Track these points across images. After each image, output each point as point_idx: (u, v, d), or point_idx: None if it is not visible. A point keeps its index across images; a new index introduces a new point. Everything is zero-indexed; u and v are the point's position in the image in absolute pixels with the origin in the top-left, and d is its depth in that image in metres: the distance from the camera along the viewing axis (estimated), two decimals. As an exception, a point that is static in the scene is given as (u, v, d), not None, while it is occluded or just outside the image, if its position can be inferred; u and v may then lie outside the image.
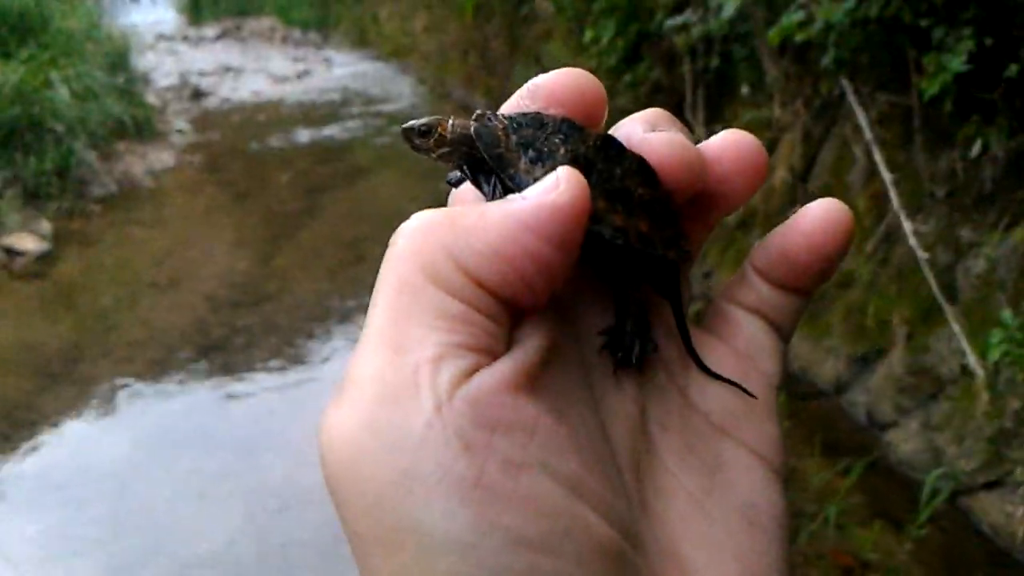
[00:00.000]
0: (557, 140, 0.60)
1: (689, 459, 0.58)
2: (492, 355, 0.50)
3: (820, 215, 0.61)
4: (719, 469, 0.59)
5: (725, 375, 0.62)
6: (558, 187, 0.52)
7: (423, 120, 0.65)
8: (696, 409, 0.61)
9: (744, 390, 0.62)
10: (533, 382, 0.50)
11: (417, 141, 0.65)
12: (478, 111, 0.65)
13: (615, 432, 0.56)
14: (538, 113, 0.63)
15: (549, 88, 0.62)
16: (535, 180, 0.55)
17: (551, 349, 0.53)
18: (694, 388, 0.61)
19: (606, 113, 0.65)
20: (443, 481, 0.45)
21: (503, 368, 0.49)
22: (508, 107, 0.66)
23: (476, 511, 0.44)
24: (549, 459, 0.48)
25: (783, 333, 0.67)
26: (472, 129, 0.64)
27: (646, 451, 0.57)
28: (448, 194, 0.69)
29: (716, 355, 0.63)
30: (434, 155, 0.65)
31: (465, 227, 0.52)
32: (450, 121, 0.65)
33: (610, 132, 0.64)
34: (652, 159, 0.61)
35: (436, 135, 0.64)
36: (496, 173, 0.62)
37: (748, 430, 0.62)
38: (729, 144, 0.65)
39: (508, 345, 0.52)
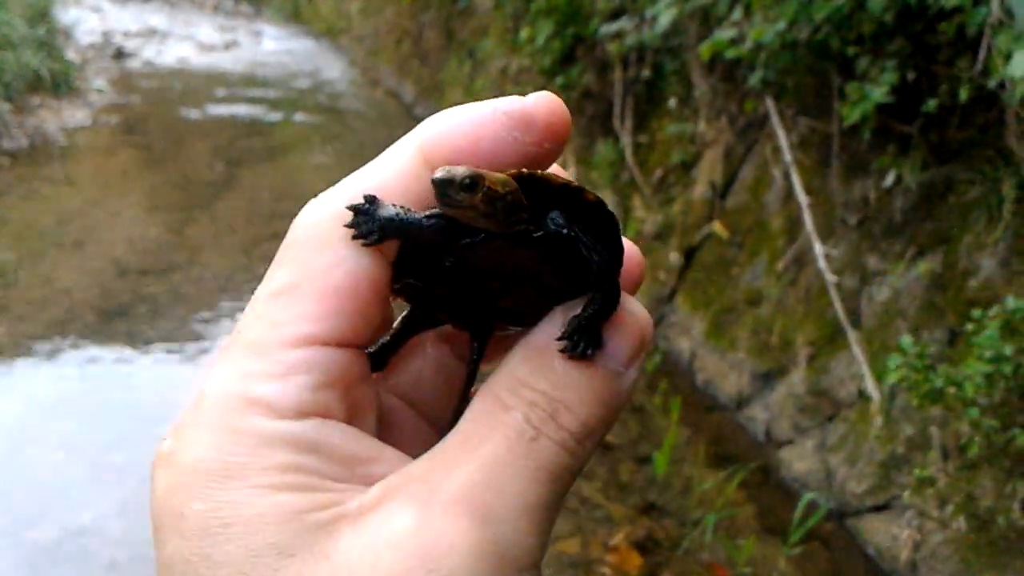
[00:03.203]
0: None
1: None
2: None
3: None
4: None
5: None
6: None
7: (464, 171, 0.58)
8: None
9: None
10: None
11: (459, 196, 0.58)
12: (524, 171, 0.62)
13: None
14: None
15: (547, 120, 0.63)
16: None
17: None
18: None
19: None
20: None
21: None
22: (479, 125, 0.63)
23: None
24: None
25: None
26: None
27: None
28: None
29: None
30: (475, 216, 0.60)
31: None
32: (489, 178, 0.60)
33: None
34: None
35: (484, 191, 0.59)
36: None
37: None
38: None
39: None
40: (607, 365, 0.62)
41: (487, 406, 0.60)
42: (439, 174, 0.58)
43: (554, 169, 0.66)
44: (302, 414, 0.58)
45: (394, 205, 0.61)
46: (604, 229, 0.63)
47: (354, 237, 0.61)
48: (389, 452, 0.62)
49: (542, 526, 0.58)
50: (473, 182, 0.58)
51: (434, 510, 0.55)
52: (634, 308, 0.64)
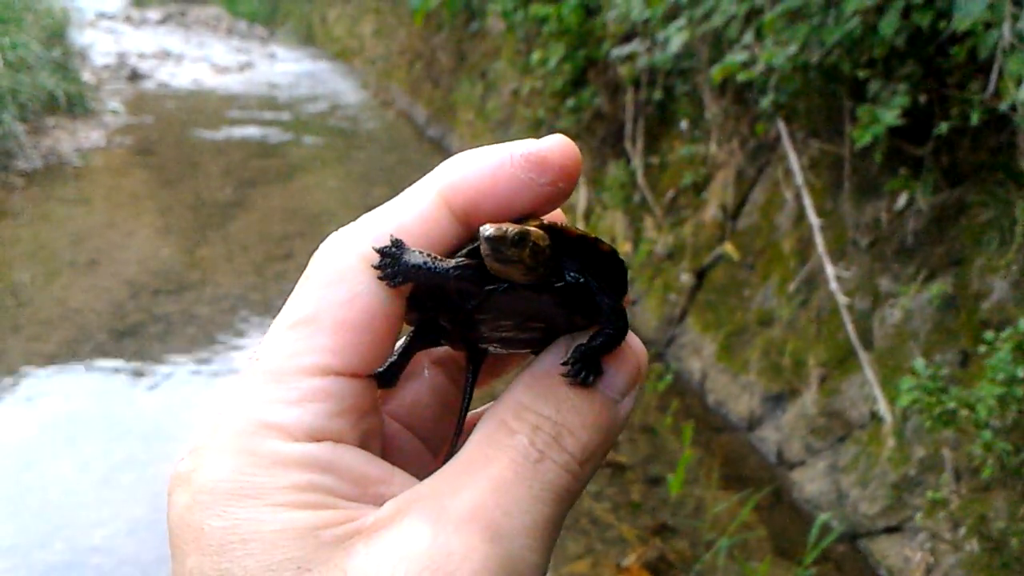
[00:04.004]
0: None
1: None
2: None
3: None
4: None
5: None
6: None
7: (515, 229, 0.62)
8: None
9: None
10: None
11: (509, 252, 0.62)
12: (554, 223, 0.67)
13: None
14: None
15: (560, 161, 0.66)
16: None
17: None
18: None
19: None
20: None
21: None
22: (497, 168, 0.66)
23: None
24: None
25: None
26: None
27: None
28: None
29: None
30: (520, 270, 0.64)
31: None
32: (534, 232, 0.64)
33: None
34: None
35: (531, 246, 0.63)
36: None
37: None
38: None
39: None
40: (607, 393, 0.66)
41: (492, 430, 0.64)
42: (491, 231, 0.61)
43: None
44: (316, 438, 0.61)
45: (420, 252, 0.64)
46: (615, 274, 0.69)
47: (380, 278, 0.64)
48: (399, 473, 0.65)
49: (546, 544, 0.61)
50: (522, 238, 0.62)
51: (446, 527, 0.58)
52: (633, 342, 0.68)
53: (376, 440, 0.67)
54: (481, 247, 0.62)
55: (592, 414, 0.64)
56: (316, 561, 0.56)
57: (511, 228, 0.61)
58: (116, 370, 5.50)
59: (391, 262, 0.63)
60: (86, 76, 12.49)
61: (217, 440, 0.61)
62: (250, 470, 0.59)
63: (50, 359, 5.56)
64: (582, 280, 0.65)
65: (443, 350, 0.79)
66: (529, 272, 0.64)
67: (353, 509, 0.60)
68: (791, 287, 4.87)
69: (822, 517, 3.95)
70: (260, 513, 0.57)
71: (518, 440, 0.62)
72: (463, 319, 0.69)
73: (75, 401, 5.19)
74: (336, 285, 0.65)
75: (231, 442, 0.61)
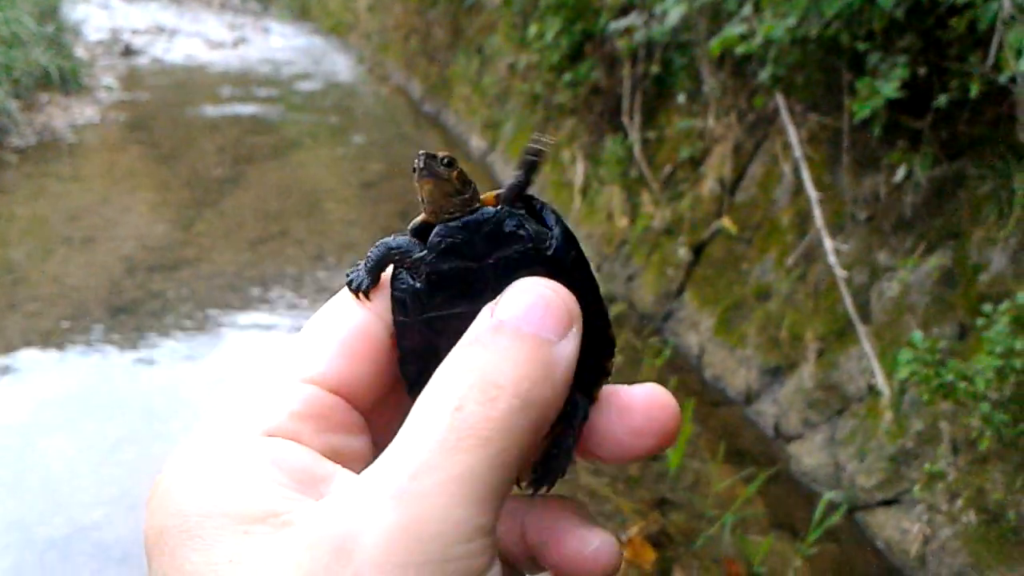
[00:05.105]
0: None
1: None
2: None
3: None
4: None
5: None
6: None
7: (445, 152, 0.69)
8: None
9: None
10: None
11: (439, 168, 0.68)
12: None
13: None
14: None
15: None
16: None
17: None
18: None
19: None
20: None
21: None
22: None
23: None
24: None
25: None
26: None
27: None
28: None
29: None
30: (448, 189, 0.69)
31: None
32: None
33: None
34: None
35: (460, 170, 0.69)
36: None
37: None
38: (645, 399, 0.69)
39: None
40: (539, 333, 0.62)
41: (419, 402, 0.61)
42: (422, 151, 0.68)
43: None
44: (269, 434, 0.63)
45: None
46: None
47: (352, 290, 0.70)
48: (344, 472, 0.63)
49: (473, 496, 0.55)
50: (452, 161, 0.69)
51: (354, 504, 0.56)
52: (558, 289, 0.65)
53: (354, 463, 0.65)
54: (414, 164, 0.69)
55: (521, 352, 0.60)
56: (246, 555, 0.56)
57: (443, 152, 0.69)
58: (113, 347, 5.50)
59: (356, 273, 0.71)
60: (79, 52, 12.43)
61: (189, 442, 0.64)
62: (201, 462, 0.61)
63: (47, 336, 5.55)
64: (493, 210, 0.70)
65: None
66: (458, 196, 0.69)
67: (291, 501, 0.59)
68: (789, 261, 4.86)
69: (828, 495, 3.97)
70: (205, 507, 0.58)
71: (434, 392, 0.59)
72: (422, 328, 0.70)
73: (73, 378, 5.19)
74: (322, 312, 0.71)
75: (198, 441, 0.63)
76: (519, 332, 0.61)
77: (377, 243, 0.70)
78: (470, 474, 0.56)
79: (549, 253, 0.68)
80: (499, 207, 0.69)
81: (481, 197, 0.70)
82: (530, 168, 0.70)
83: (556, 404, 0.62)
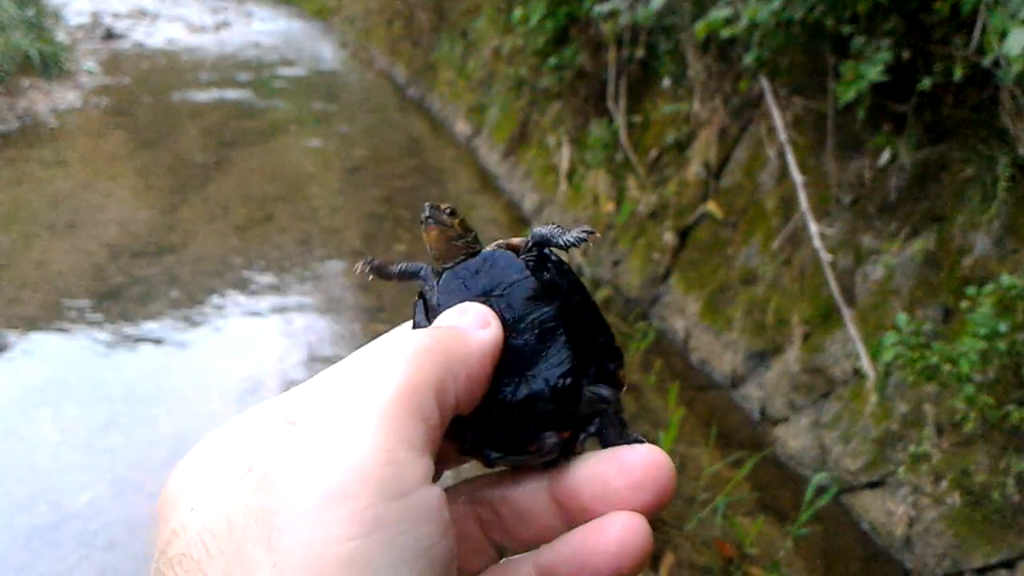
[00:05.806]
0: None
1: None
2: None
3: (619, 539, 0.68)
4: None
5: None
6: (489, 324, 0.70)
7: (448, 204, 0.78)
8: None
9: None
10: None
11: (443, 216, 0.76)
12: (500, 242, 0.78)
13: None
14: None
15: None
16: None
17: None
18: None
19: None
20: None
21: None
22: None
23: None
24: None
25: None
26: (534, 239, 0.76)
27: None
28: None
29: None
30: (451, 234, 0.76)
31: (456, 354, 0.65)
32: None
33: None
34: None
35: (462, 219, 0.77)
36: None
37: None
38: (644, 458, 0.72)
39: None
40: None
41: None
42: (427, 203, 0.77)
43: None
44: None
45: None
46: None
47: (370, 267, 0.82)
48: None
49: (395, 430, 0.57)
50: (454, 210, 0.77)
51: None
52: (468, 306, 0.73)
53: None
54: (421, 216, 0.76)
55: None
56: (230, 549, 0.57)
57: (446, 204, 0.77)
58: (97, 333, 5.47)
59: (382, 265, 0.82)
60: (60, 36, 12.31)
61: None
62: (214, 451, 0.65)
63: (30, 322, 5.52)
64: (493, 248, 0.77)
65: None
66: (460, 240, 0.76)
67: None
68: (774, 245, 4.88)
69: (817, 477, 3.98)
70: (209, 485, 0.61)
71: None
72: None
73: (56, 364, 5.16)
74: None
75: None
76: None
77: (413, 262, 0.80)
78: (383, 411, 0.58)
79: (545, 279, 0.74)
80: (495, 249, 0.77)
81: (509, 242, 0.77)
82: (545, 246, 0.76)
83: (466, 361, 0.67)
